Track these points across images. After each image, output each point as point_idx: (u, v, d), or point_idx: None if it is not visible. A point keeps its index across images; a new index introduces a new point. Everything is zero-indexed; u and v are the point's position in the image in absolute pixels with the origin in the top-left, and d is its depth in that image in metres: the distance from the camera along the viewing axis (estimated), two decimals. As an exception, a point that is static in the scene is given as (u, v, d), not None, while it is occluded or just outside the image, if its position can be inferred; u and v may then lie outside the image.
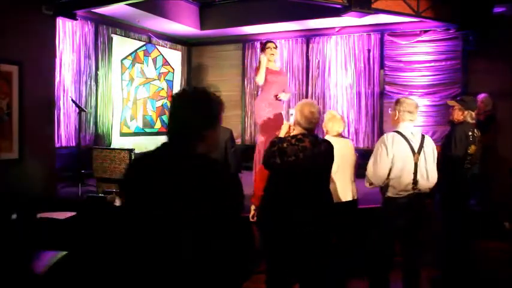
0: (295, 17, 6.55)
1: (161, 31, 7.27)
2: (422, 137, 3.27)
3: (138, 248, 1.58)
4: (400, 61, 6.58)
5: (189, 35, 7.50)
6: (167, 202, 1.49)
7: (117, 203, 3.24)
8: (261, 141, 5.11)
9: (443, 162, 3.81)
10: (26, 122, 4.49)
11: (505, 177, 5.21)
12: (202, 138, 1.56)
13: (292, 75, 7.26)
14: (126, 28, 6.78)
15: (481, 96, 5.54)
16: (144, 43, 6.86)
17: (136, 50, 6.66)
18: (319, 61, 7.09)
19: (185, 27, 6.97)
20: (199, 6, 7.13)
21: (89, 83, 6.23)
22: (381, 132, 6.27)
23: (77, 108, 5.53)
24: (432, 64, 6.38)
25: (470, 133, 3.76)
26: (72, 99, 5.73)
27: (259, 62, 5.24)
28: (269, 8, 6.66)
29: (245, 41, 7.60)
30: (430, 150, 3.25)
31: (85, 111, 5.82)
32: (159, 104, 7.13)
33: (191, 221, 1.48)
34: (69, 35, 5.95)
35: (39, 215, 3.13)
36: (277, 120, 5.23)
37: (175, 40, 7.73)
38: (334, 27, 6.84)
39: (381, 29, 6.62)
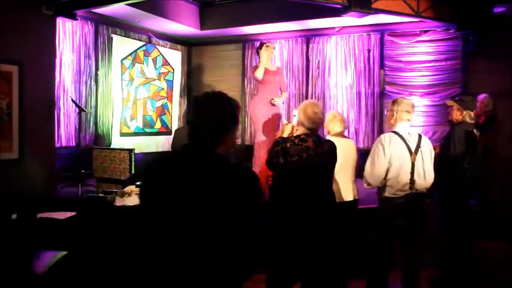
0: (295, 17, 6.55)
1: (161, 31, 7.27)
2: (419, 136, 3.27)
3: (161, 248, 1.61)
4: (400, 61, 6.57)
5: (189, 35, 7.50)
6: (191, 203, 1.53)
7: (117, 203, 3.23)
8: (258, 142, 5.12)
9: (443, 162, 3.81)
10: (26, 122, 4.49)
11: (505, 177, 5.22)
12: (223, 140, 1.63)
13: (292, 75, 7.26)
14: (126, 28, 6.78)
15: (482, 96, 5.54)
16: (144, 43, 6.86)
17: (136, 50, 6.66)
18: (319, 61, 7.09)
19: (185, 27, 6.97)
20: (199, 6, 7.13)
21: (89, 83, 6.23)
22: (381, 132, 6.26)
23: (77, 108, 5.53)
24: (432, 64, 6.38)
25: (469, 133, 3.75)
26: (72, 99, 5.73)
27: (260, 57, 5.28)
28: (269, 8, 6.65)
29: (245, 41, 7.60)
30: (427, 150, 3.26)
31: (85, 111, 5.82)
32: (159, 104, 7.13)
33: (215, 221, 1.52)
34: (69, 35, 5.95)
35: (39, 215, 3.13)
36: (275, 120, 5.25)
37: (175, 40, 7.73)
38: (334, 27, 6.84)
39: (381, 29, 6.62)
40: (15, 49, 4.43)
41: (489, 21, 5.33)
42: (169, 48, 7.51)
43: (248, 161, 5.49)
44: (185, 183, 1.55)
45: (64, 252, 2.67)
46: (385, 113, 3.47)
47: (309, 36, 7.15)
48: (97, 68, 6.33)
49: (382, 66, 6.66)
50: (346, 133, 4.16)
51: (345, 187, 3.55)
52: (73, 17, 5.21)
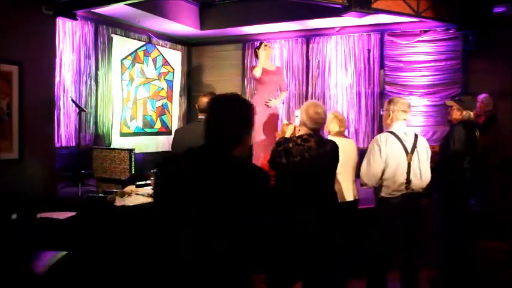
0: (295, 17, 6.55)
1: (161, 31, 7.27)
2: (416, 136, 3.27)
3: (177, 247, 1.62)
4: (400, 61, 6.57)
5: (189, 35, 7.50)
6: (210, 203, 1.55)
7: (117, 203, 3.23)
8: (257, 142, 5.12)
9: (442, 162, 3.81)
10: (26, 122, 4.49)
11: (505, 177, 5.22)
12: (240, 142, 1.68)
13: (292, 75, 7.26)
14: (126, 28, 6.78)
15: (482, 96, 5.54)
16: (144, 43, 6.86)
17: (136, 50, 6.66)
18: (319, 61, 7.09)
19: (185, 27, 6.97)
20: (199, 6, 7.13)
21: (89, 83, 6.22)
22: (381, 132, 6.26)
23: (77, 108, 5.53)
24: (432, 64, 6.38)
25: (469, 133, 3.76)
26: (72, 99, 5.73)
27: (258, 57, 5.29)
28: (269, 8, 6.65)
29: (245, 41, 7.59)
30: (424, 150, 3.26)
31: (85, 111, 5.82)
32: (159, 104, 7.13)
33: (234, 222, 1.55)
34: (69, 35, 5.95)
35: (39, 215, 3.13)
36: (273, 120, 5.25)
37: (175, 40, 7.73)
38: (334, 27, 6.84)
39: (381, 29, 6.62)
40: (15, 49, 4.43)
41: (489, 21, 5.33)
42: (169, 48, 7.51)
43: (248, 160, 5.48)
44: (204, 183, 1.56)
45: (64, 252, 2.68)
46: (382, 112, 3.46)
47: (309, 36, 7.15)
48: (97, 68, 6.33)
49: (382, 66, 6.66)
50: (346, 133, 4.16)
51: (346, 187, 3.55)
52: (73, 17, 5.21)
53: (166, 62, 7.22)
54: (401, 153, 3.17)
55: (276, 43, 7.36)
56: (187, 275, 1.59)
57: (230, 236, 1.55)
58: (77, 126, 5.69)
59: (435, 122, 6.36)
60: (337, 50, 6.96)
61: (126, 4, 5.32)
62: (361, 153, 4.08)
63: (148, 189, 3.57)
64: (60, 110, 5.79)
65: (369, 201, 4.02)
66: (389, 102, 3.33)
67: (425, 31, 6.35)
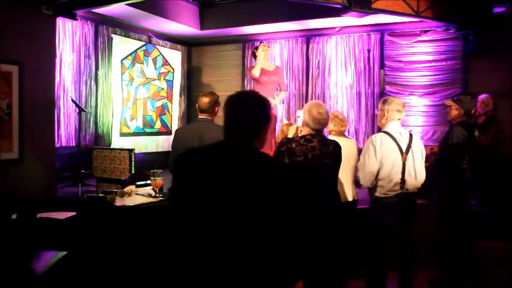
0: (295, 17, 6.55)
1: (161, 31, 7.27)
2: (410, 136, 3.28)
3: (199, 243, 1.64)
4: (400, 61, 6.57)
5: (189, 35, 7.50)
6: (236, 197, 1.60)
7: (117, 203, 3.23)
8: None
9: (442, 163, 3.81)
10: (26, 122, 4.49)
11: (505, 177, 5.21)
12: (259, 137, 1.75)
13: (292, 75, 7.26)
14: (126, 28, 6.78)
15: (482, 96, 5.54)
16: (144, 43, 6.86)
17: (136, 50, 6.66)
18: (319, 61, 7.09)
19: (185, 27, 6.97)
20: (199, 6, 7.13)
21: (89, 83, 6.22)
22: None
23: (77, 108, 5.53)
24: (432, 64, 6.38)
25: (468, 133, 3.75)
26: (72, 99, 5.73)
27: (257, 56, 5.29)
28: (269, 8, 6.65)
29: (245, 41, 7.59)
30: (418, 150, 3.27)
31: (85, 111, 5.82)
32: (159, 104, 7.14)
33: (262, 215, 1.59)
34: (69, 35, 5.95)
35: (39, 215, 3.13)
36: (272, 120, 5.25)
37: (175, 40, 7.73)
38: (334, 27, 6.84)
39: (381, 29, 6.62)
40: (15, 49, 4.43)
41: (489, 21, 5.33)
42: (169, 48, 7.51)
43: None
44: (232, 176, 1.61)
45: (64, 252, 2.67)
46: (377, 112, 3.46)
47: (309, 36, 7.15)
48: (97, 68, 6.33)
49: (382, 66, 6.66)
50: (346, 133, 4.16)
51: (346, 187, 3.55)
52: (73, 17, 5.21)
53: (166, 62, 7.22)
54: (396, 153, 3.17)
55: (276, 43, 7.36)
56: (215, 271, 1.60)
57: (261, 229, 1.59)
58: (77, 126, 5.69)
59: (435, 122, 6.36)
60: (337, 50, 6.96)
61: (126, 4, 5.31)
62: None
63: (149, 189, 3.56)
64: (60, 110, 5.79)
65: (365, 201, 4.04)
66: (384, 102, 3.34)
67: (425, 31, 6.35)
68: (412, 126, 6.36)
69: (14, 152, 4.42)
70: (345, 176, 3.49)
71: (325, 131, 3.76)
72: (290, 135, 3.29)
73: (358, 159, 3.66)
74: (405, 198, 3.21)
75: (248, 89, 7.55)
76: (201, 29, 7.19)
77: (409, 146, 3.20)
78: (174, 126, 7.37)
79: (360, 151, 3.84)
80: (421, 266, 3.87)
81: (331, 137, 3.46)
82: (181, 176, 1.73)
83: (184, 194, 1.69)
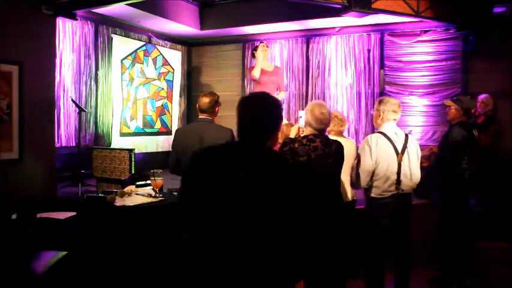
0: (295, 17, 6.55)
1: (161, 31, 7.27)
2: (406, 136, 3.28)
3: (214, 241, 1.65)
4: (400, 61, 6.57)
5: (189, 35, 7.50)
6: (251, 194, 1.63)
7: (117, 203, 3.23)
8: None
9: (441, 162, 3.81)
10: (26, 122, 4.49)
11: (505, 177, 5.22)
12: (271, 136, 1.79)
13: (292, 75, 7.26)
14: (126, 28, 6.78)
15: (482, 96, 5.55)
16: (144, 43, 6.86)
17: (136, 50, 6.66)
18: (319, 61, 7.09)
19: (185, 27, 6.97)
20: (199, 6, 7.13)
21: (89, 83, 6.22)
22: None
23: (77, 108, 5.53)
24: (432, 64, 6.37)
25: (467, 133, 3.75)
26: (72, 99, 5.73)
27: (256, 58, 5.29)
28: (269, 8, 6.65)
29: (245, 41, 7.59)
30: (414, 150, 3.27)
31: (85, 111, 5.82)
32: (159, 104, 7.14)
33: (276, 211, 1.62)
34: (69, 35, 5.95)
35: (39, 215, 3.13)
36: None
37: (175, 40, 7.73)
38: (334, 27, 6.84)
39: (381, 29, 6.62)
40: (15, 49, 4.42)
41: (489, 21, 5.33)
42: (169, 48, 7.51)
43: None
44: (245, 174, 1.64)
45: (64, 252, 2.67)
46: (372, 112, 3.47)
47: (309, 36, 7.15)
48: (97, 68, 6.33)
49: (382, 66, 6.66)
50: (346, 133, 4.17)
51: (345, 187, 3.55)
52: (73, 17, 5.20)
53: (166, 62, 7.22)
54: (392, 153, 3.18)
55: (276, 43, 7.36)
56: (219, 271, 1.62)
57: (270, 227, 1.62)
58: (77, 126, 5.69)
59: (435, 122, 6.36)
60: (337, 50, 6.96)
61: (126, 4, 5.31)
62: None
63: (149, 189, 3.57)
64: (60, 110, 5.79)
65: (362, 202, 4.05)
66: (380, 102, 3.34)
67: (425, 31, 6.35)
68: (412, 126, 6.36)
69: (14, 152, 4.42)
70: (344, 176, 3.49)
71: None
72: (292, 136, 3.29)
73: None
74: (400, 198, 3.21)
75: (248, 89, 7.56)
76: (201, 29, 7.19)
77: (404, 147, 3.20)
78: (174, 126, 7.37)
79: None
80: (421, 266, 3.88)
81: (330, 137, 3.46)
82: (196, 177, 1.74)
83: (197, 195, 1.70)
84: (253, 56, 5.61)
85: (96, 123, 6.35)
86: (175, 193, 3.47)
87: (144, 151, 6.78)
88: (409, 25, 6.33)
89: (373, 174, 3.19)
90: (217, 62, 7.93)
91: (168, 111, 7.34)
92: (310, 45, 7.14)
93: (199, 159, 1.75)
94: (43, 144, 4.77)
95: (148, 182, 3.63)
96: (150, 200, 3.32)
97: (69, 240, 2.90)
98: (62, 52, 5.81)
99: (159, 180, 3.40)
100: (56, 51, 5.17)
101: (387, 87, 6.62)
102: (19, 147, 4.45)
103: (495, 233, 4.55)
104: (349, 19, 5.71)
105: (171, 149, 3.67)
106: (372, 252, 3.31)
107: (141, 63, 6.74)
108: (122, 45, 6.46)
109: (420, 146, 3.47)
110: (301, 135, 3.07)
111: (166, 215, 3.05)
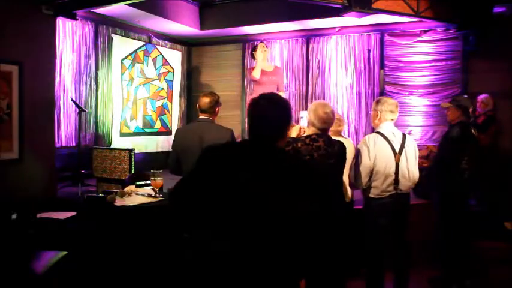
0: (295, 17, 6.55)
1: (161, 31, 7.27)
2: (404, 136, 3.28)
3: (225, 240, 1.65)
4: (400, 61, 6.57)
5: (189, 35, 7.50)
6: (263, 193, 1.63)
7: (117, 203, 3.23)
8: None
9: (440, 162, 3.81)
10: (26, 122, 4.49)
11: (505, 177, 5.22)
12: (282, 136, 1.82)
13: (292, 75, 7.26)
14: (126, 28, 6.78)
15: (482, 96, 5.55)
16: (144, 43, 6.86)
17: (136, 50, 6.66)
18: (319, 61, 7.09)
19: (185, 27, 6.97)
20: (199, 6, 7.13)
21: (89, 83, 6.22)
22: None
23: (77, 108, 5.53)
24: (432, 64, 6.38)
25: (467, 133, 3.75)
26: (72, 99, 5.73)
27: (255, 59, 5.29)
28: (269, 8, 6.65)
29: (245, 41, 7.59)
30: (412, 150, 3.27)
31: (85, 111, 5.82)
32: (159, 104, 7.14)
33: (285, 211, 1.63)
34: (69, 35, 5.95)
35: (39, 215, 3.13)
36: None
37: (175, 40, 7.73)
38: (334, 27, 6.84)
39: (381, 29, 6.62)
40: (15, 49, 4.42)
41: (489, 21, 5.33)
42: (169, 48, 7.51)
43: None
44: (257, 173, 1.65)
45: (64, 252, 2.67)
46: (370, 112, 3.48)
47: (309, 36, 7.15)
48: (97, 68, 6.33)
49: (382, 66, 6.66)
50: (345, 133, 4.16)
51: (346, 187, 3.55)
52: (73, 17, 5.21)
53: (166, 62, 7.22)
54: (390, 153, 3.18)
55: (276, 43, 7.36)
56: (223, 270, 1.61)
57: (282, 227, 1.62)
58: (77, 126, 5.69)
59: (435, 122, 6.36)
60: (337, 50, 6.96)
61: (126, 4, 5.31)
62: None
63: (149, 189, 3.57)
64: (60, 110, 5.79)
65: (360, 202, 4.05)
66: (377, 102, 3.35)
67: (425, 31, 6.35)
68: (412, 126, 6.36)
69: (14, 152, 4.42)
70: (344, 176, 3.49)
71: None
72: (294, 136, 3.30)
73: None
74: (399, 198, 3.22)
75: (248, 89, 7.57)
76: (201, 29, 7.19)
77: (402, 147, 3.20)
78: (174, 126, 7.37)
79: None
80: (421, 266, 3.88)
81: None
82: (201, 174, 1.74)
83: (199, 192, 1.70)
84: (252, 56, 5.61)
85: (96, 123, 6.35)
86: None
87: (144, 151, 6.78)
88: (409, 25, 6.33)
89: (371, 174, 3.19)
90: (217, 62, 7.93)
91: (168, 111, 7.34)
92: (310, 45, 7.14)
93: (209, 156, 1.76)
94: (43, 144, 4.77)
95: (148, 182, 3.63)
96: (150, 200, 3.32)
97: (69, 240, 2.90)
98: (62, 52, 5.81)
99: (159, 180, 3.40)
100: (56, 51, 5.17)
101: (387, 87, 6.62)
102: (19, 147, 4.45)
103: (495, 233, 4.55)
104: (349, 19, 5.71)
105: (171, 149, 3.67)
106: (372, 252, 3.31)
107: (141, 63, 6.74)
108: (122, 45, 6.46)
109: (419, 146, 3.47)
110: (303, 135, 3.07)
111: (166, 215, 3.05)
